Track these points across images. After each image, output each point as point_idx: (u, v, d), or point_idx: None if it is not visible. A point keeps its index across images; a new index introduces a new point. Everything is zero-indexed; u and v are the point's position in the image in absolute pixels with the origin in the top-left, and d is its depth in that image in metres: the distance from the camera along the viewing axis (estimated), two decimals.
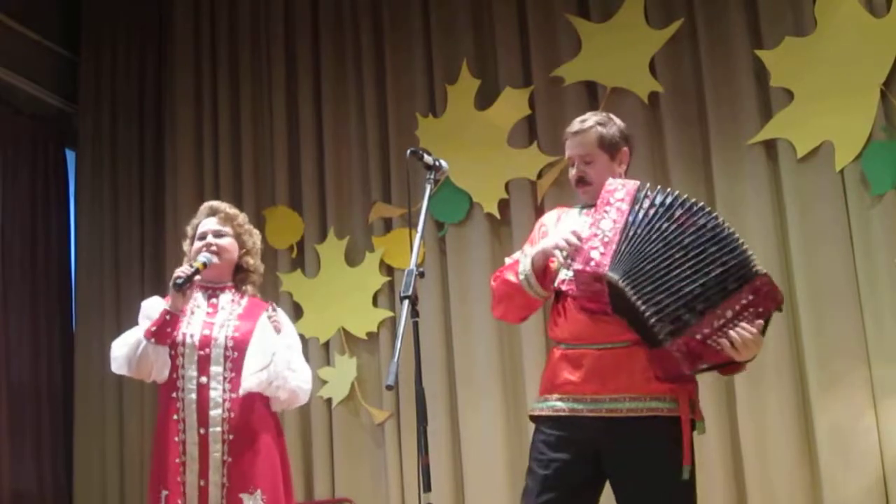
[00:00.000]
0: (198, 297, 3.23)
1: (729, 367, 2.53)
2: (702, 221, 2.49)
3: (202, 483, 3.03)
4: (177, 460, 3.03)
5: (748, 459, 4.23)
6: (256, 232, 3.38)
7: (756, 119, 4.43)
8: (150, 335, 3.06)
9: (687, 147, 4.58)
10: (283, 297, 5.29)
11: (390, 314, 5.06)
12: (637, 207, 2.53)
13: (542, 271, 2.68)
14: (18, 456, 5.26)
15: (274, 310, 3.24)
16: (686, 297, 2.42)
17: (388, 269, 5.14)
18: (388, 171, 5.21)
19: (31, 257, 5.60)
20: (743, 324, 2.43)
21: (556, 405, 2.63)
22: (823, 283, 4.17)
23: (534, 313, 2.87)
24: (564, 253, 2.57)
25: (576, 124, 2.82)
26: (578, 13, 4.89)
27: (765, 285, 2.46)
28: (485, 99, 5.03)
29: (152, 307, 3.18)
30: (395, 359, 2.34)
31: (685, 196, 2.55)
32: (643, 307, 2.43)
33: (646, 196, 2.55)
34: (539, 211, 4.56)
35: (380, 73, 5.32)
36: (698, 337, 2.41)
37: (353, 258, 5.22)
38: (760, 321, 2.46)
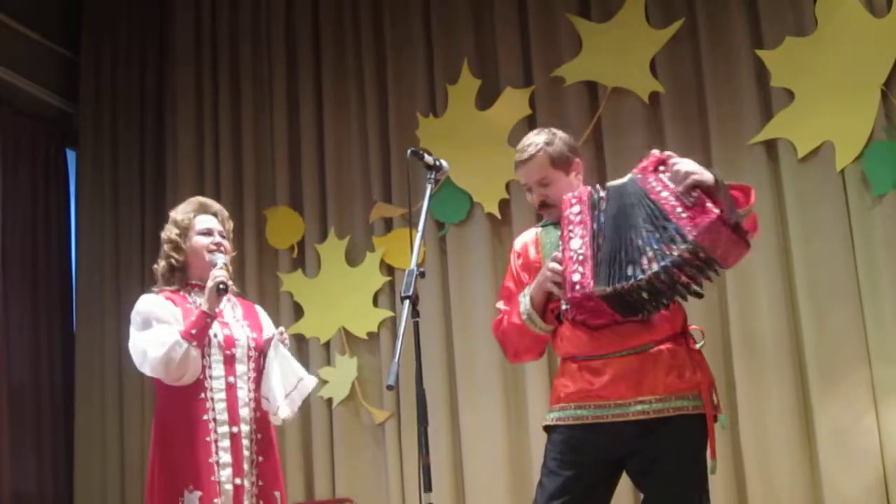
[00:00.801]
0: (197, 299, 3.18)
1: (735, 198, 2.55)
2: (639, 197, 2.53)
3: (237, 482, 3.02)
4: (210, 460, 3.00)
5: (748, 459, 4.23)
6: None
7: (757, 119, 4.43)
8: (191, 338, 2.99)
9: (687, 147, 4.55)
10: (284, 296, 5.29)
11: (391, 314, 5.06)
12: (596, 213, 2.57)
13: (542, 307, 2.68)
14: (18, 456, 5.25)
15: (281, 333, 3.21)
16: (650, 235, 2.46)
17: (388, 269, 5.14)
18: (388, 170, 5.21)
19: (31, 257, 5.59)
20: (674, 182, 2.54)
21: (577, 413, 2.62)
22: (824, 284, 4.17)
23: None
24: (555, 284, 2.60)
25: (524, 151, 2.78)
26: (579, 13, 4.89)
27: (640, 169, 2.58)
28: (485, 99, 5.03)
29: (161, 307, 3.12)
30: (396, 359, 2.35)
31: (626, 180, 2.59)
32: (643, 280, 2.44)
33: (600, 198, 2.59)
34: None
35: (380, 72, 5.32)
36: (687, 216, 2.45)
37: (353, 258, 5.22)
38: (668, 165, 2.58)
